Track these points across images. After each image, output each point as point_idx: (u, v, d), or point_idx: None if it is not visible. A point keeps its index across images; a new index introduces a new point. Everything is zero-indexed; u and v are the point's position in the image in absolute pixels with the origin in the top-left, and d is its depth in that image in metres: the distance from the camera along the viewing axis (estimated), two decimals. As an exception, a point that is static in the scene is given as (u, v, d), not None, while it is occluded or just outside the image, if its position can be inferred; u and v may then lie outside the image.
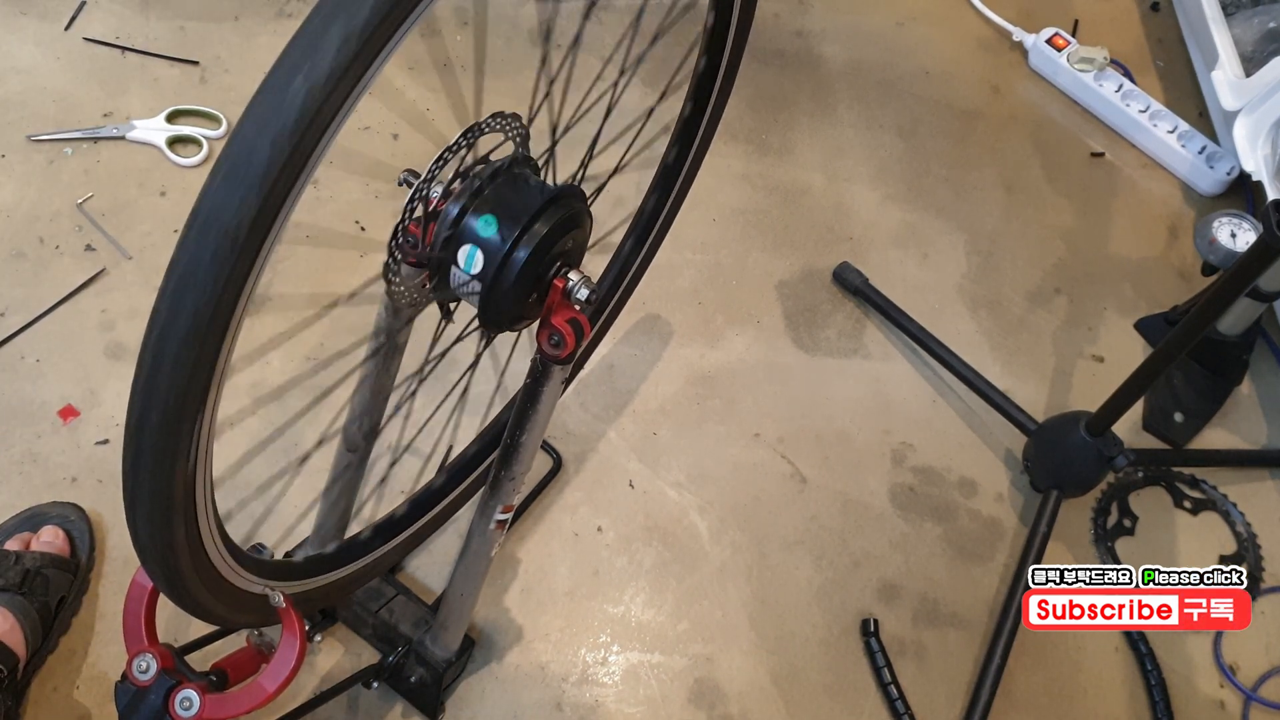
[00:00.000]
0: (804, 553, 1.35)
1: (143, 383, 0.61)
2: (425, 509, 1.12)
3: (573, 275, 0.81)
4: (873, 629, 1.29)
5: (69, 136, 1.59)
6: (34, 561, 1.16)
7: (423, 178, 0.77)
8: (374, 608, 1.16)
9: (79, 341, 1.42)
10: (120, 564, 1.25)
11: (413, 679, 1.14)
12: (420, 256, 0.77)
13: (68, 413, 1.36)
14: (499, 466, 0.96)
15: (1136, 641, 1.31)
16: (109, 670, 1.18)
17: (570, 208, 0.81)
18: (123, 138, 1.60)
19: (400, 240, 0.77)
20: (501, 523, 1.00)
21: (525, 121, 0.82)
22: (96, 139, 1.60)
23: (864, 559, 1.36)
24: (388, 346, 0.93)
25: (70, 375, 1.39)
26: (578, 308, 0.82)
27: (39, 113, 1.61)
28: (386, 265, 0.78)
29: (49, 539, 1.21)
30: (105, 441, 1.34)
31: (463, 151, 0.78)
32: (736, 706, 1.24)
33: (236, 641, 1.01)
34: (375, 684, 1.12)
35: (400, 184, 0.80)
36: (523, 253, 0.77)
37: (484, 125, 0.79)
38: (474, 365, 0.99)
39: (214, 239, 0.57)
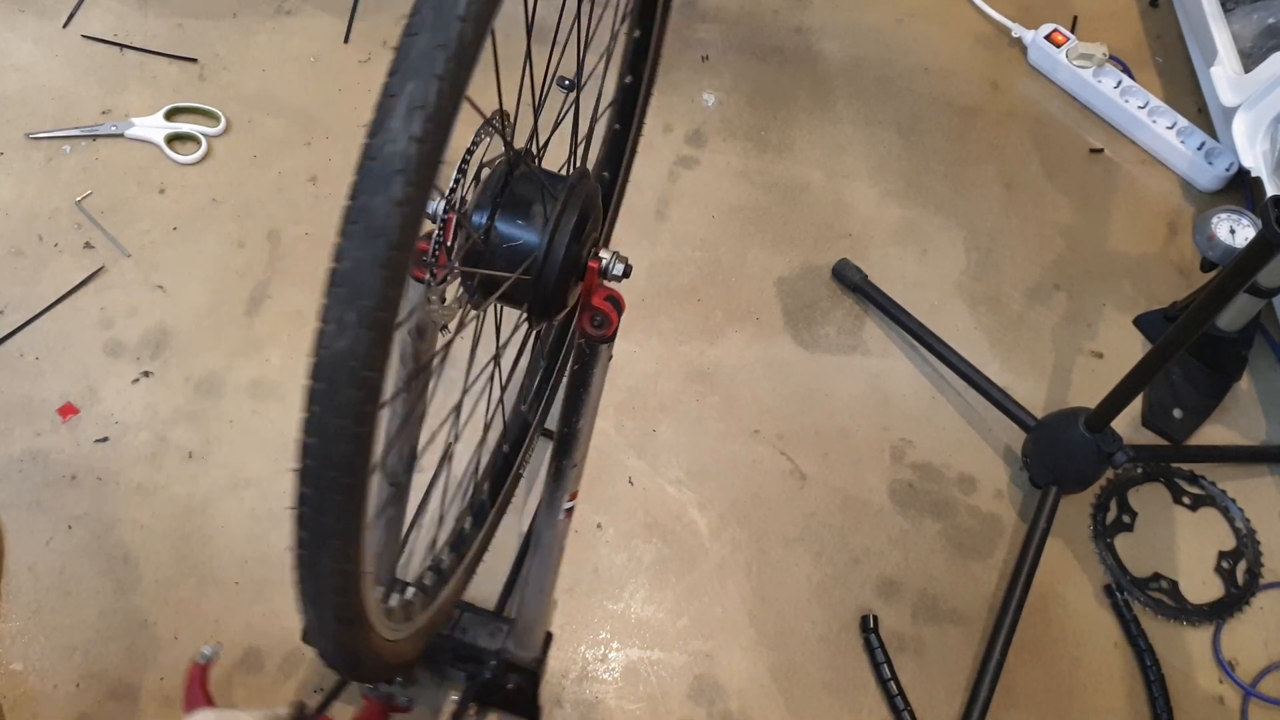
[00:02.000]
0: (803, 549, 1.35)
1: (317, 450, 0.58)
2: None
3: (604, 254, 0.82)
4: (872, 625, 1.29)
5: (68, 134, 1.59)
6: None
7: (448, 194, 0.75)
8: (445, 632, 1.15)
9: (78, 339, 1.42)
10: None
11: (509, 687, 1.15)
12: (457, 269, 0.77)
13: (67, 410, 1.36)
14: (559, 456, 0.96)
15: (1136, 637, 1.31)
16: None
17: (586, 190, 0.81)
18: (121, 135, 1.59)
19: (435, 260, 0.76)
20: (569, 511, 1.00)
21: (511, 116, 0.82)
22: (95, 136, 1.60)
23: (863, 555, 1.36)
24: (418, 370, 0.92)
25: (69, 373, 1.39)
26: (613, 284, 0.83)
27: (37, 110, 1.61)
28: (426, 290, 0.78)
29: None
30: (104, 439, 1.34)
31: (475, 157, 0.78)
32: (736, 703, 1.24)
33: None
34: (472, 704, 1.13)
35: None
36: (561, 243, 0.78)
37: (482, 132, 0.79)
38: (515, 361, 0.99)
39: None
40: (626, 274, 0.83)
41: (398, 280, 0.54)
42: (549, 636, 1.19)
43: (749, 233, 1.62)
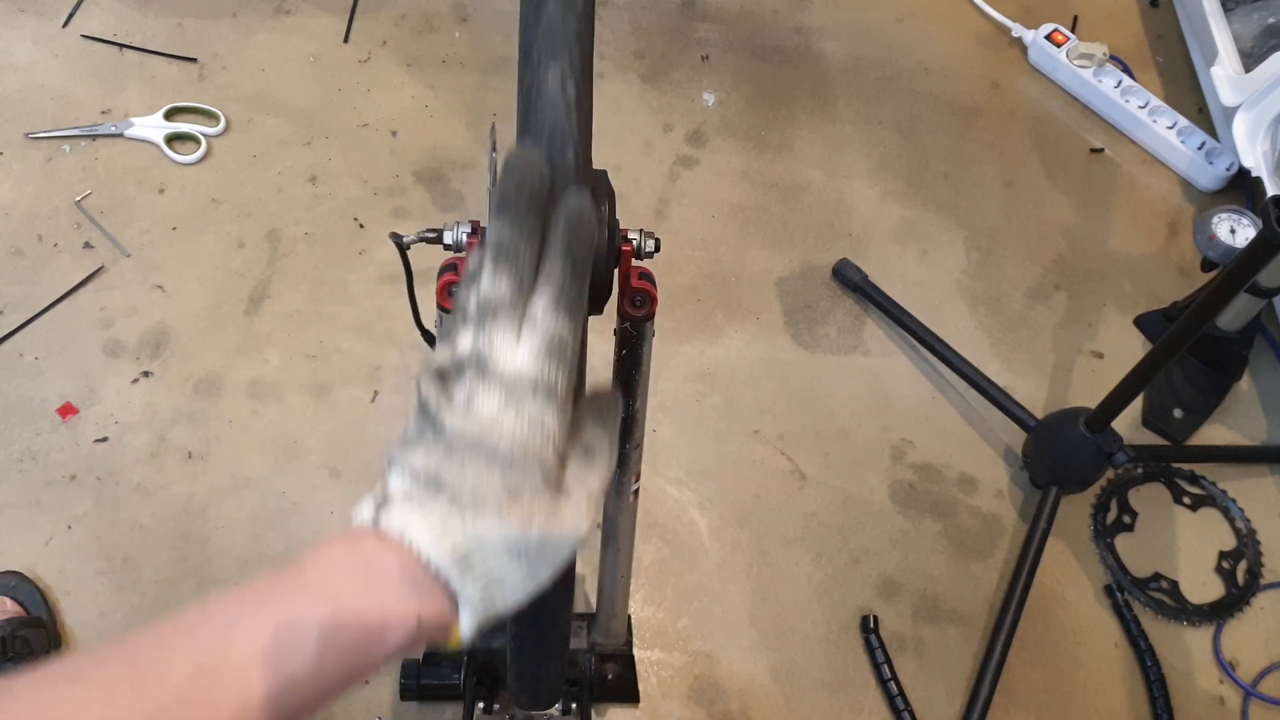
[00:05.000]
0: (803, 549, 1.35)
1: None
2: None
3: (632, 234, 0.82)
4: (872, 625, 1.29)
5: (67, 134, 1.59)
6: (3, 629, 1.14)
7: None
8: None
9: (77, 339, 1.42)
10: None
11: (609, 678, 1.17)
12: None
13: (66, 410, 1.36)
14: (620, 441, 0.96)
15: (1136, 637, 1.31)
16: None
17: (603, 178, 0.81)
18: (121, 135, 1.59)
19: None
20: (636, 492, 1.01)
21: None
22: (95, 136, 1.59)
23: (863, 556, 1.36)
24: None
25: (69, 373, 1.39)
26: (644, 262, 0.84)
27: (37, 110, 1.61)
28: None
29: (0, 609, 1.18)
30: (104, 439, 1.34)
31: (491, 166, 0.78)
32: (736, 703, 1.24)
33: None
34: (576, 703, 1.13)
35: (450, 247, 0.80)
36: (605, 233, 0.78)
37: (492, 145, 0.79)
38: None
39: None
40: (657, 249, 0.83)
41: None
42: (629, 619, 1.19)
43: (749, 232, 1.62)
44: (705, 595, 1.31)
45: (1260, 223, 0.99)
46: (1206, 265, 1.40)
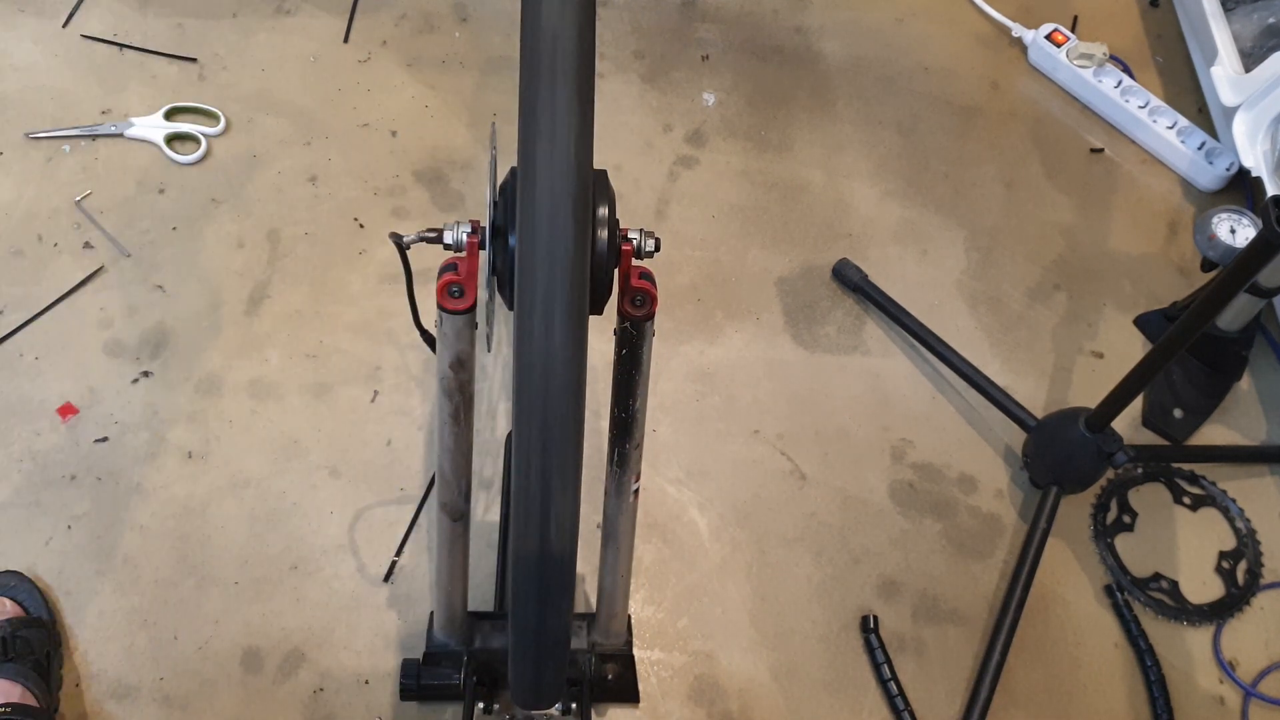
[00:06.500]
0: (803, 549, 1.35)
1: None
2: None
3: (633, 234, 0.82)
4: (872, 625, 1.29)
5: (67, 134, 1.59)
6: (4, 629, 1.14)
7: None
8: None
9: (77, 339, 1.42)
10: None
11: (610, 678, 1.17)
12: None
13: (66, 410, 1.36)
14: (620, 441, 0.97)
15: (1136, 637, 1.31)
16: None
17: (603, 178, 0.82)
18: (121, 135, 1.59)
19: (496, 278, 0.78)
20: (636, 492, 1.01)
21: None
22: (95, 136, 1.59)
23: (863, 555, 1.36)
24: (462, 401, 0.92)
25: (69, 373, 1.39)
26: (644, 262, 0.84)
27: (37, 110, 1.61)
28: (488, 308, 0.79)
29: None
30: (104, 439, 1.34)
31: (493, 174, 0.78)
32: (736, 703, 1.24)
33: None
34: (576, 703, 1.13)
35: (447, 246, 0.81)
36: (604, 234, 0.78)
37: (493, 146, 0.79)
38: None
39: None
40: (657, 249, 0.83)
41: None
42: (628, 618, 1.19)
43: (749, 232, 1.62)
44: (705, 595, 1.31)
45: (1260, 223, 0.99)
46: (1206, 265, 1.40)
